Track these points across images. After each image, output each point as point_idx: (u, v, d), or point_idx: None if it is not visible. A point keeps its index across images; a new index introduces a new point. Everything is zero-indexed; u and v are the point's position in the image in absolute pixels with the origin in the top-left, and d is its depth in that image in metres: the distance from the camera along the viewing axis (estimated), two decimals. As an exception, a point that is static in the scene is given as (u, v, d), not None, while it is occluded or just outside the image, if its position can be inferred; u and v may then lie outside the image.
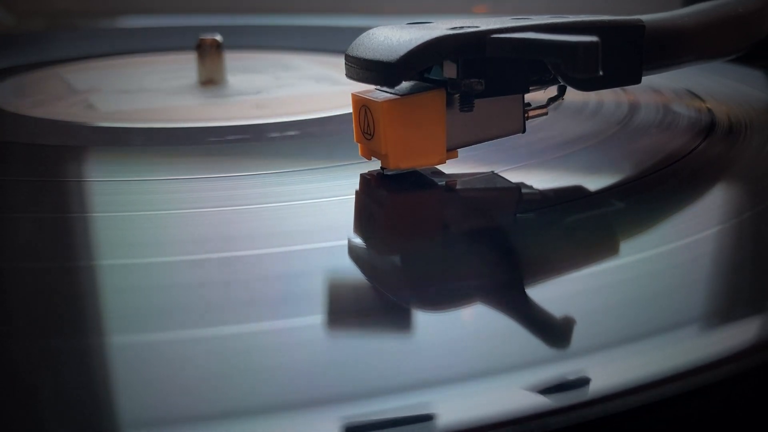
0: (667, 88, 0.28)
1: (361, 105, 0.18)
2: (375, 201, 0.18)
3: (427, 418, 0.10)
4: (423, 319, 0.13)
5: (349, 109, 0.19)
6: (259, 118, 0.26)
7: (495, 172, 0.19)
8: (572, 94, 0.20)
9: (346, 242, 0.16)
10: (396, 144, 0.18)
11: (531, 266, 0.15)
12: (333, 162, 0.21)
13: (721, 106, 0.26)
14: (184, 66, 0.35)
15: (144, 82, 0.32)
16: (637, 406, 0.10)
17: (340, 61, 0.19)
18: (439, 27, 0.18)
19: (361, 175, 0.19)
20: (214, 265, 0.15)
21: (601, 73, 0.15)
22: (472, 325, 0.13)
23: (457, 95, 0.18)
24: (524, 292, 0.14)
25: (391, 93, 0.18)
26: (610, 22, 0.18)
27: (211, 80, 0.32)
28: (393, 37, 0.18)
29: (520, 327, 0.12)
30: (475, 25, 0.18)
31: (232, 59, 0.34)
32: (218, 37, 0.32)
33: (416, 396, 0.10)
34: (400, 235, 0.17)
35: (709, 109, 0.25)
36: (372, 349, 0.12)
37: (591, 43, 0.15)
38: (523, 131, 0.19)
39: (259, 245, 0.15)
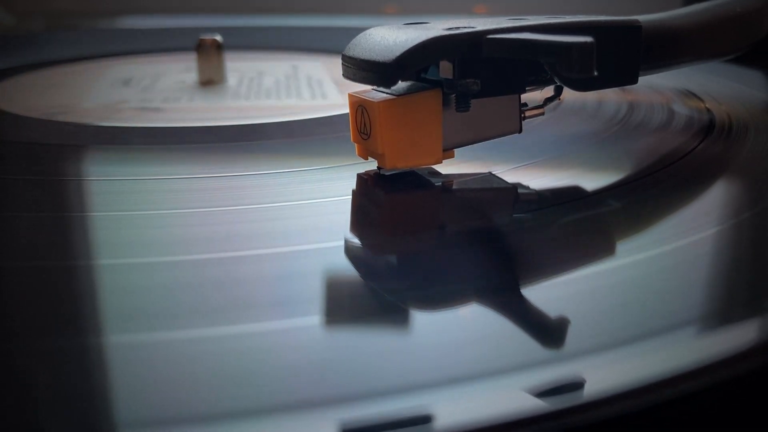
0: (666, 88, 0.28)
1: (358, 105, 0.18)
2: (372, 201, 0.18)
3: (423, 420, 0.10)
4: (419, 319, 0.13)
5: (347, 110, 0.19)
6: (258, 117, 0.26)
7: (492, 172, 0.19)
8: (571, 94, 0.20)
9: (342, 242, 0.16)
10: (392, 144, 0.18)
11: (527, 267, 0.15)
12: (330, 162, 0.21)
13: (720, 106, 0.26)
14: (184, 66, 0.35)
15: (144, 82, 0.33)
16: (633, 409, 0.10)
17: (339, 61, 0.19)
18: (436, 27, 0.18)
19: (357, 175, 0.19)
20: (211, 265, 0.15)
21: (596, 73, 0.15)
22: (468, 325, 0.13)
23: (453, 95, 0.18)
24: (520, 293, 0.14)
25: (387, 93, 0.18)
26: (606, 22, 0.18)
27: (211, 80, 0.32)
28: (389, 37, 0.18)
29: (516, 328, 0.12)
30: (471, 25, 0.18)
31: (232, 59, 0.34)
32: (218, 37, 0.33)
33: (412, 398, 0.10)
34: (396, 235, 0.17)
35: (708, 109, 0.25)
36: (368, 350, 0.12)
37: (585, 43, 0.15)
38: (520, 131, 0.19)
39: (256, 245, 0.15)
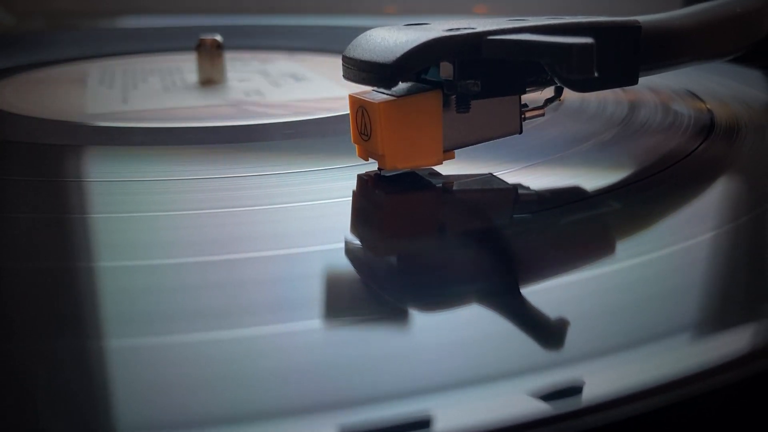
0: (667, 89, 0.28)
1: (358, 106, 0.18)
2: (372, 202, 0.18)
3: (423, 423, 0.10)
4: (419, 321, 0.13)
5: (347, 110, 0.19)
6: (258, 118, 0.26)
7: (492, 173, 0.19)
8: (572, 95, 0.20)
9: (343, 244, 0.16)
10: (393, 145, 0.18)
11: (527, 268, 0.15)
12: (330, 163, 0.21)
13: (721, 106, 0.26)
14: (184, 66, 0.35)
15: (144, 82, 0.33)
16: (632, 413, 0.10)
17: (339, 62, 0.19)
18: (436, 28, 0.18)
19: (358, 176, 0.19)
20: (211, 268, 0.15)
21: (596, 74, 0.15)
22: (468, 327, 0.13)
23: (453, 96, 0.18)
24: (520, 295, 0.14)
25: (387, 94, 0.18)
26: (606, 23, 0.18)
27: (211, 80, 0.32)
28: (390, 38, 0.18)
29: (515, 329, 0.12)
30: (472, 26, 0.18)
31: (232, 59, 0.34)
32: (218, 37, 0.33)
33: (412, 401, 0.10)
34: (397, 236, 0.17)
35: (709, 110, 0.25)
36: (368, 352, 0.12)
37: (585, 44, 0.15)
38: (520, 132, 0.19)
39: (256, 247, 0.15)
